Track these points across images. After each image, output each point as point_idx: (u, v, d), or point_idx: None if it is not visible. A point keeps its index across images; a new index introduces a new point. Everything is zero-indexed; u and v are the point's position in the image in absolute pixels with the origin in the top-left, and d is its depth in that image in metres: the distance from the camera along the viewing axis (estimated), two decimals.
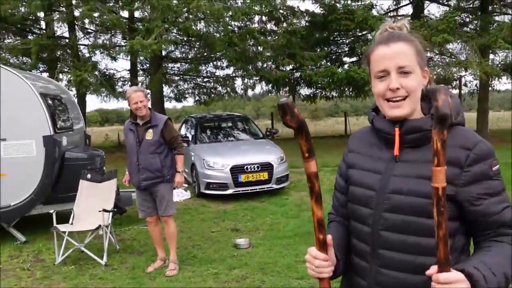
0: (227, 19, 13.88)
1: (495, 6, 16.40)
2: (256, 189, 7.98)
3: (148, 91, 14.90)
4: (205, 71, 18.95)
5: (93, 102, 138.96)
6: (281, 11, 16.32)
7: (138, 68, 18.15)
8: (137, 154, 4.48)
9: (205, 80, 19.67)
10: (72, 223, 5.13)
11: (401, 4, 18.65)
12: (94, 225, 4.90)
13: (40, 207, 5.85)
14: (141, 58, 15.57)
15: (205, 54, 17.34)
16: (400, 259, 1.24)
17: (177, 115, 38.66)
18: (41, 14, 15.07)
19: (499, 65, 16.27)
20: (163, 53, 16.37)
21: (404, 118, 1.26)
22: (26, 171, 5.66)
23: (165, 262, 4.77)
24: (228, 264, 4.72)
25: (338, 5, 16.08)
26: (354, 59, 18.17)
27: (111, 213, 5.13)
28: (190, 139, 9.33)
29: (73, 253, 5.11)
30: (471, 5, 16.81)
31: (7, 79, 5.72)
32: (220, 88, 19.58)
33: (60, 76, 15.04)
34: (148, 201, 4.63)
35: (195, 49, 18.05)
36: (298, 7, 17.05)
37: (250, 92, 20.34)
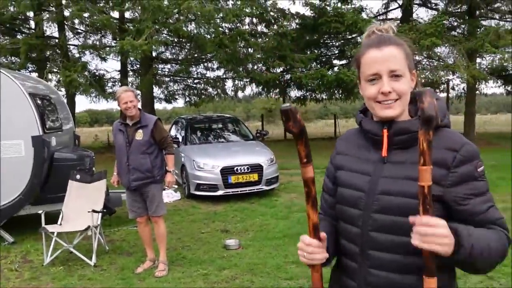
0: (218, 20, 13.91)
1: (482, 11, 16.64)
2: (246, 190, 8.01)
3: (138, 91, 14.84)
4: (195, 72, 18.95)
5: (83, 103, 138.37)
6: (271, 13, 16.38)
7: (128, 69, 18.08)
8: (127, 154, 4.47)
9: (195, 81, 19.66)
10: (61, 224, 5.10)
11: (390, 8, 18.83)
12: (83, 225, 4.88)
13: (29, 207, 5.81)
14: (131, 58, 15.50)
15: (196, 55, 17.34)
16: (389, 259, 1.26)
17: (167, 116, 38.52)
18: (31, 14, 14.94)
19: (486, 69, 16.51)
20: (154, 54, 16.33)
21: (392, 120, 1.28)
22: (14, 171, 5.62)
23: (155, 263, 4.77)
24: (218, 265, 4.74)
25: (328, 8, 16.20)
26: (344, 61, 18.29)
27: (100, 214, 5.11)
28: (180, 140, 9.33)
29: (62, 254, 5.09)
30: (459, 10, 17.04)
31: None
32: (210, 90, 19.60)
33: (50, 76, 14.94)
34: (138, 201, 4.63)
35: (186, 50, 18.05)
36: (288, 9, 17.19)
37: (240, 94, 20.44)
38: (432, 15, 15.77)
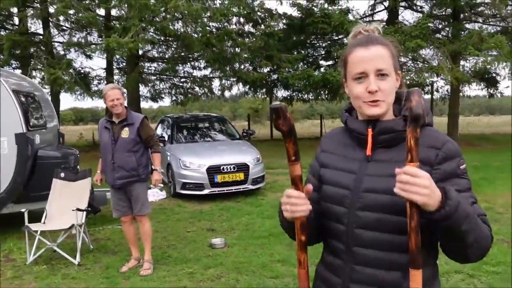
0: (205, 19, 13.88)
1: (466, 14, 16.89)
2: (232, 189, 8.01)
3: (125, 90, 14.73)
4: (182, 71, 18.87)
5: (67, 101, 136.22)
6: (259, 13, 16.41)
7: (114, 67, 17.93)
8: (112, 152, 4.44)
9: (182, 80, 19.57)
10: (44, 222, 5.04)
11: (377, 10, 19.01)
12: (67, 224, 4.83)
13: (12, 206, 5.72)
14: (117, 56, 15.39)
15: (183, 54, 17.26)
16: (374, 256, 1.27)
17: (153, 115, 38.24)
18: (14, 10, 14.73)
19: (469, 71, 16.76)
20: (140, 52, 16.22)
21: (377, 119, 1.30)
22: None
23: (140, 262, 4.75)
24: (204, 264, 4.74)
25: (315, 8, 16.29)
26: (330, 62, 18.39)
27: (84, 213, 5.07)
28: (166, 139, 9.29)
29: (45, 253, 5.03)
30: (443, 13, 17.27)
31: None
32: (197, 89, 19.53)
33: (34, 73, 14.74)
34: (123, 200, 4.60)
35: (173, 49, 17.96)
36: (276, 9, 17.25)
37: (227, 93, 20.39)
38: (418, 18, 15.97)
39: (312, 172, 1.49)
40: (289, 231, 1.41)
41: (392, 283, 1.26)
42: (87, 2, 13.97)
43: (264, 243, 5.37)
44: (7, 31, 15.86)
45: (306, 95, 19.11)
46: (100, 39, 15.48)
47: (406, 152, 1.09)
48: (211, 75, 18.64)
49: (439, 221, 1.10)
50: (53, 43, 15.37)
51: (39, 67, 14.84)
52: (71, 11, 12.99)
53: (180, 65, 18.11)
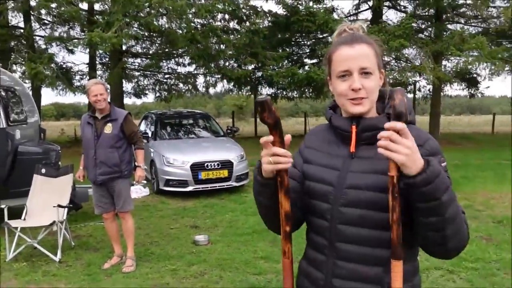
0: (190, 15, 13.79)
1: (448, 15, 17.14)
2: (216, 186, 8.00)
3: (108, 85, 14.55)
4: (166, 67, 18.72)
5: (49, 96, 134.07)
6: (244, 10, 16.38)
7: (97, 62, 17.68)
8: (95, 148, 4.39)
9: (166, 76, 19.43)
10: (24, 219, 4.96)
11: (361, 9, 19.15)
12: (48, 221, 4.76)
13: None
14: (100, 51, 15.19)
15: (167, 50, 17.13)
16: (356, 251, 1.29)
17: (136, 111, 37.89)
18: None
19: (451, 71, 17.02)
20: (123, 47, 16.05)
21: (361, 116, 1.31)
22: None
23: (122, 259, 4.71)
24: (187, 261, 4.73)
25: (300, 7, 16.34)
26: (314, 60, 18.49)
27: (66, 209, 5.01)
28: (149, 135, 9.22)
29: (25, 250, 4.95)
30: (426, 13, 17.49)
31: None
32: (181, 85, 19.41)
33: (14, 67, 14.47)
34: (105, 197, 4.56)
35: (157, 44, 17.80)
36: (261, 7, 17.22)
37: (211, 90, 20.30)
38: (401, 18, 16.15)
39: (295, 163, 1.47)
40: (261, 197, 1.38)
41: (374, 278, 1.28)
42: None
43: (247, 240, 5.38)
44: None
45: (290, 93, 19.17)
46: (83, 33, 15.27)
47: None
48: (195, 72, 18.56)
49: (420, 186, 1.10)
50: (34, 37, 15.10)
51: (19, 61, 14.59)
52: (53, 5, 12.77)
53: (164, 61, 17.98)
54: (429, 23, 17.41)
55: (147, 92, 19.77)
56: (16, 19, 15.18)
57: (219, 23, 16.59)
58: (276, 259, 4.64)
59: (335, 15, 16.45)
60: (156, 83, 19.71)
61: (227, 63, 16.73)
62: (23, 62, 14.20)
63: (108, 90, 4.62)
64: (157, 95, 19.72)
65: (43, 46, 15.24)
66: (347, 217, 1.29)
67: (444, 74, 15.14)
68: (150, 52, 18.02)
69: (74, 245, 5.25)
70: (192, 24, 14.35)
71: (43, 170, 5.32)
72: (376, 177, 1.26)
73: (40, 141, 6.95)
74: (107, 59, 17.62)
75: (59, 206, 4.82)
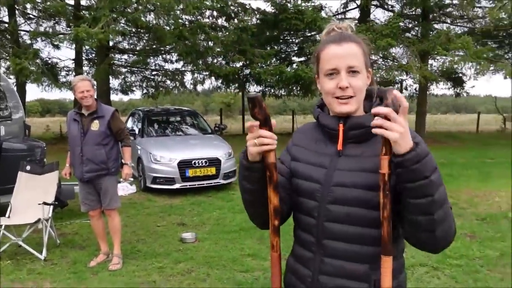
0: (178, 12, 13.70)
1: (435, 14, 17.31)
2: (204, 184, 7.99)
3: (95, 82, 14.39)
4: (153, 64, 18.59)
5: (34, 91, 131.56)
6: (232, 7, 16.32)
7: (83, 58, 17.48)
8: (81, 145, 4.35)
9: (153, 73, 19.27)
10: (9, 216, 4.90)
11: (349, 8, 19.23)
12: (33, 218, 4.71)
13: None
14: (87, 47, 15.02)
15: (154, 46, 16.99)
16: (343, 248, 1.30)
17: (123, 108, 37.59)
18: None
19: (437, 70, 17.20)
20: (110, 43, 15.88)
21: (348, 115, 1.32)
22: None
23: (109, 256, 4.68)
24: (174, 258, 4.71)
25: (289, 4, 16.33)
26: (302, 58, 18.53)
27: (51, 207, 4.95)
28: (136, 132, 9.16)
29: (10, 248, 4.88)
30: (413, 12, 17.63)
31: None
32: (168, 82, 19.27)
33: None
34: (92, 194, 4.52)
35: (144, 41, 17.65)
36: (249, 4, 17.24)
37: (199, 87, 20.22)
38: (389, 17, 16.25)
39: (282, 160, 1.49)
40: (245, 181, 1.37)
41: (361, 275, 1.30)
42: None
43: (234, 238, 5.39)
44: None
45: (278, 91, 19.20)
46: (69, 29, 15.06)
47: (381, 146, 1.13)
48: (183, 69, 18.46)
49: (410, 165, 1.10)
50: (19, 32, 14.85)
51: (4, 56, 14.33)
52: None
53: (151, 57, 17.85)
54: (416, 22, 17.57)
55: (134, 88, 19.59)
56: (0, 13, 14.93)
57: (207, 20, 16.52)
58: (263, 257, 4.65)
59: (323, 14, 16.48)
60: (143, 79, 19.55)
61: (215, 60, 16.67)
62: (7, 58, 13.97)
63: (95, 87, 4.57)
64: (144, 91, 19.56)
65: (28, 41, 15.02)
66: (334, 214, 1.31)
67: (430, 73, 15.29)
68: (137, 48, 17.87)
69: (59, 243, 5.20)
70: (180, 20, 14.25)
71: (28, 167, 5.25)
72: (363, 175, 1.28)
73: (25, 137, 6.86)
74: (93, 55, 17.43)
75: (45, 203, 4.77)
